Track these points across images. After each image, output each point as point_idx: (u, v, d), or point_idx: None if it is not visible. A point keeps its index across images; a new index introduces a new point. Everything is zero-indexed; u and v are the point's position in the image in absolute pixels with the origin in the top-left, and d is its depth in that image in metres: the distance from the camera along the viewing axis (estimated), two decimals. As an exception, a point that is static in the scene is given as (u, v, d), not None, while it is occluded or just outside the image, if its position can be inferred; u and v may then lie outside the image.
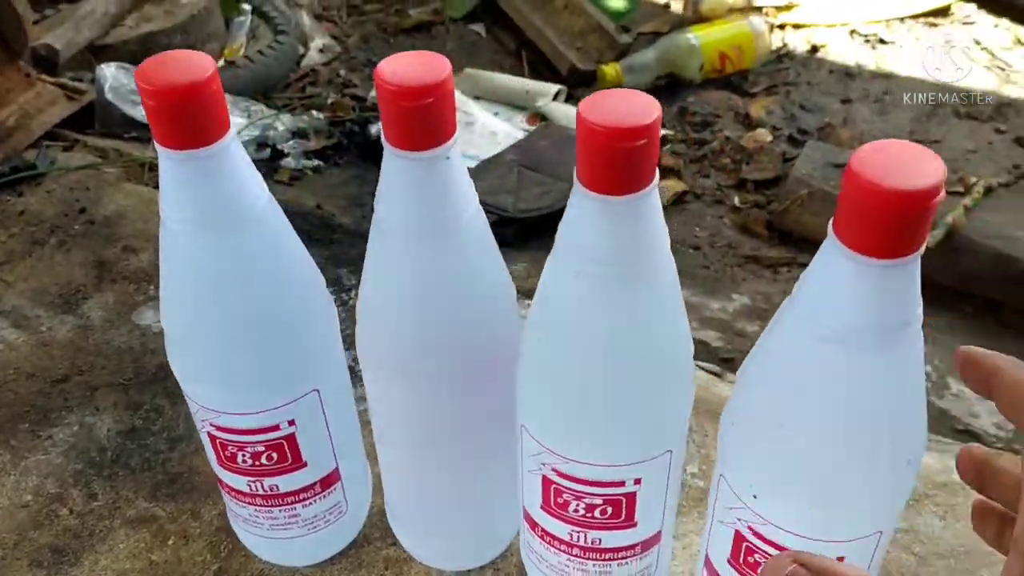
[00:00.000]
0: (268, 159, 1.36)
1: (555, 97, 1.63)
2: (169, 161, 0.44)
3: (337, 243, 1.06)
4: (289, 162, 1.37)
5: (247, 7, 1.78)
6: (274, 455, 0.54)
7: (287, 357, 0.51)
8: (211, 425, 0.53)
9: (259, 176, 0.48)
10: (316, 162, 1.41)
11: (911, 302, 0.37)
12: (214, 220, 0.46)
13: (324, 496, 0.58)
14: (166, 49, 0.46)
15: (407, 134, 0.43)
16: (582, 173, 0.39)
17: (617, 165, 0.37)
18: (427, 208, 0.45)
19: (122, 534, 0.67)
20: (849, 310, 0.36)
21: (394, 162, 0.44)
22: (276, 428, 0.53)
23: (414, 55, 0.43)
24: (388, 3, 2.08)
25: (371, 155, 1.46)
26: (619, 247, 0.41)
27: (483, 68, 1.76)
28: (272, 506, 0.57)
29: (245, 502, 0.57)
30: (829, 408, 0.40)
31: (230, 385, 0.51)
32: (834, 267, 0.36)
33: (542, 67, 1.82)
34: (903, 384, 0.39)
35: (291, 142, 1.40)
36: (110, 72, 1.29)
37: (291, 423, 0.53)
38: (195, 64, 0.43)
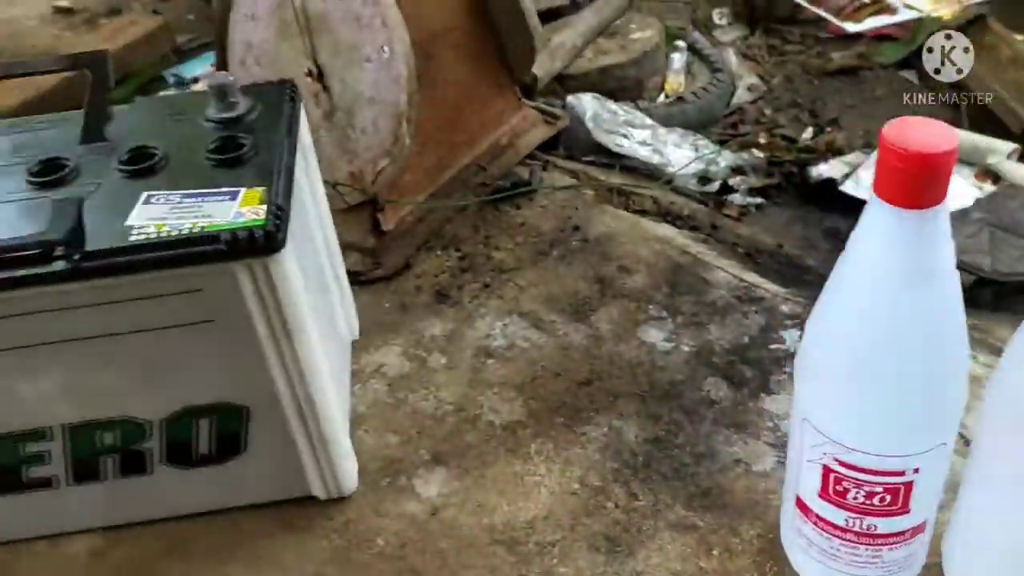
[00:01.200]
0: (716, 192, 1.41)
1: (1008, 156, 1.54)
2: (892, 217, 0.48)
3: (808, 285, 1.08)
4: (736, 198, 1.41)
5: (682, 44, 1.86)
6: (887, 498, 0.56)
7: (937, 406, 0.54)
8: (834, 459, 0.56)
9: (951, 237, 0.51)
10: (759, 200, 1.44)
11: None
12: (916, 274, 0.49)
13: (909, 543, 0.60)
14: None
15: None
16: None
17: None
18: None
19: (667, 536, 0.73)
20: None
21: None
22: (901, 473, 0.55)
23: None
24: (808, 45, 2.07)
25: (811, 198, 1.47)
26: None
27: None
28: (861, 544, 0.59)
29: (834, 535, 0.60)
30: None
31: (880, 428, 0.54)
32: None
33: (983, 121, 1.73)
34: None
35: (736, 179, 1.44)
36: (588, 102, 1.40)
37: (916, 471, 0.55)
38: (940, 135, 0.47)
